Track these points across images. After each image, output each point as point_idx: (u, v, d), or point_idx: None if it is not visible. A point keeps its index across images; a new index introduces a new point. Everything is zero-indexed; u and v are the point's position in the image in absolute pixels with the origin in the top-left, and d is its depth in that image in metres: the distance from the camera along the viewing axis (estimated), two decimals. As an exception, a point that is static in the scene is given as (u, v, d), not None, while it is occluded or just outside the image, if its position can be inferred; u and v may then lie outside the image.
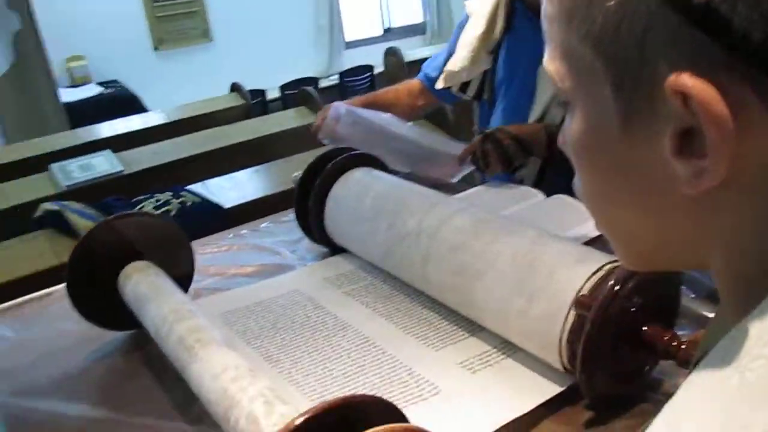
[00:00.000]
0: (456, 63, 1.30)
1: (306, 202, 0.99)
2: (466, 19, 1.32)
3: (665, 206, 0.31)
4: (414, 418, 0.64)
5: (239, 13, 4.52)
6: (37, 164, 2.43)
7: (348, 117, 1.28)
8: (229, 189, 1.96)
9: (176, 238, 0.90)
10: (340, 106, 1.30)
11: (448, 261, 0.77)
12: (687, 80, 0.26)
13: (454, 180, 1.27)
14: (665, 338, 0.62)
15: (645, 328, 0.63)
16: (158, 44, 4.30)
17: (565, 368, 0.67)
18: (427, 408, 0.66)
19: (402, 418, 0.51)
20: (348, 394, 0.55)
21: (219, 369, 0.61)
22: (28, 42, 3.19)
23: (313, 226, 1.00)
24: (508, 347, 0.75)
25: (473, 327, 0.79)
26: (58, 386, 0.78)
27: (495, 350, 0.75)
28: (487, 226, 0.77)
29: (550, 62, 0.33)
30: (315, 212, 0.98)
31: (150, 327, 0.74)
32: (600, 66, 0.29)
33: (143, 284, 0.78)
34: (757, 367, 0.25)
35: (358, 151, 1.03)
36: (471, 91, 1.35)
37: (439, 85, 1.34)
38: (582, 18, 0.29)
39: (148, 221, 0.90)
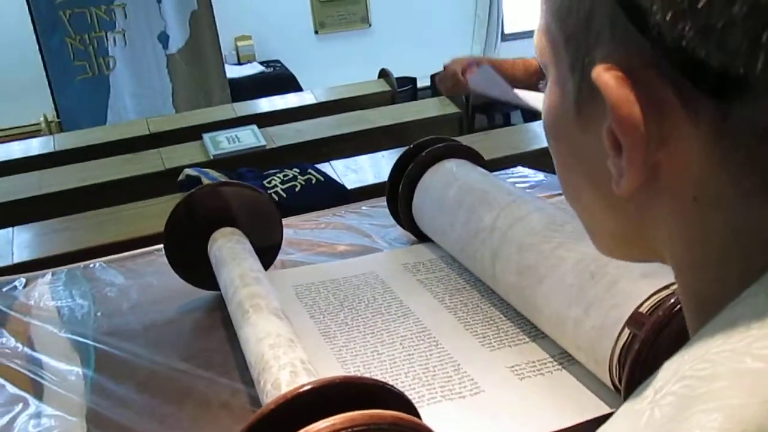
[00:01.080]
0: None
1: (397, 189, 1.00)
2: None
3: (611, 202, 0.30)
4: (446, 414, 0.64)
5: (399, 0, 4.61)
6: (197, 133, 2.65)
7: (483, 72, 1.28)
8: (354, 170, 2.03)
9: (268, 212, 0.95)
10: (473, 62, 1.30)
11: (514, 261, 0.75)
12: (602, 74, 0.25)
13: None
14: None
15: (710, 358, 0.58)
16: (319, 27, 4.50)
17: (616, 388, 0.63)
18: (462, 406, 0.65)
19: (409, 407, 0.51)
20: (354, 374, 0.56)
21: (262, 335, 0.64)
22: (202, 21, 3.48)
23: (402, 213, 1.01)
24: (566, 358, 0.71)
25: (536, 332, 0.76)
26: (145, 331, 0.86)
27: (551, 360, 0.71)
28: (560, 228, 0.74)
29: (536, 35, 0.32)
30: (404, 199, 0.99)
31: (222, 288, 0.79)
32: (561, 43, 0.29)
33: (224, 249, 0.83)
34: (665, 404, 0.23)
35: (455, 143, 1.02)
36: None
37: None
38: None
39: (246, 192, 0.95)
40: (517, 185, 1.08)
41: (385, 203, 1.20)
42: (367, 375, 0.70)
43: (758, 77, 0.22)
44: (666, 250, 0.29)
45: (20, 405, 0.73)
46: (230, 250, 0.83)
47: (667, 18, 0.23)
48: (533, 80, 1.40)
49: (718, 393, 0.21)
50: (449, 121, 2.74)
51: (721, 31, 0.22)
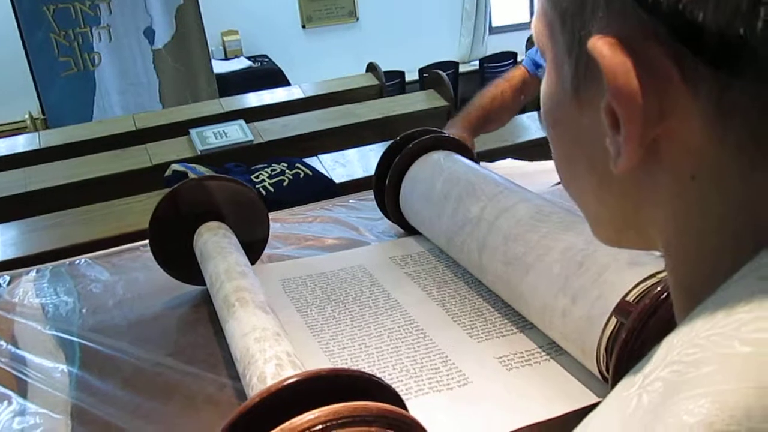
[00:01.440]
0: None
1: (384, 181, 1.00)
2: None
3: (609, 185, 0.29)
4: (433, 405, 0.63)
5: (387, -6, 4.60)
6: (184, 128, 2.63)
7: None
8: (342, 164, 2.02)
9: (254, 206, 0.94)
10: None
11: (501, 251, 0.75)
12: (597, 45, 0.24)
13: None
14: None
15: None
16: (306, 22, 4.48)
17: (604, 377, 0.63)
18: (451, 398, 0.65)
19: (396, 398, 0.50)
20: (341, 366, 0.55)
21: (248, 329, 0.64)
22: (189, 16, 3.45)
23: (389, 205, 1.00)
24: (554, 348, 0.71)
25: (524, 323, 0.76)
26: (130, 328, 0.85)
27: (539, 350, 0.71)
28: (546, 219, 0.74)
29: (533, 21, 0.31)
30: (391, 192, 0.99)
31: (208, 283, 0.78)
32: (557, 24, 0.28)
33: (209, 243, 0.82)
34: (653, 390, 0.23)
35: (442, 134, 1.01)
36: None
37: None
38: None
39: (232, 186, 0.94)
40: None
41: (373, 196, 1.19)
42: (354, 367, 0.69)
43: (759, 38, 0.21)
44: (660, 235, 0.28)
45: (4, 403, 0.73)
46: (216, 245, 0.82)
47: None
48: (522, 95, 1.35)
49: (705, 378, 0.21)
50: (438, 115, 2.74)
51: None
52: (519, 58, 4.60)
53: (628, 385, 0.24)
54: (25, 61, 3.28)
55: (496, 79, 1.42)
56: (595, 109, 0.26)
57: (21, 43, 3.26)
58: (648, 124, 0.24)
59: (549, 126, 0.32)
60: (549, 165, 1.24)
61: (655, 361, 0.24)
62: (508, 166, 1.29)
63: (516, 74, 1.38)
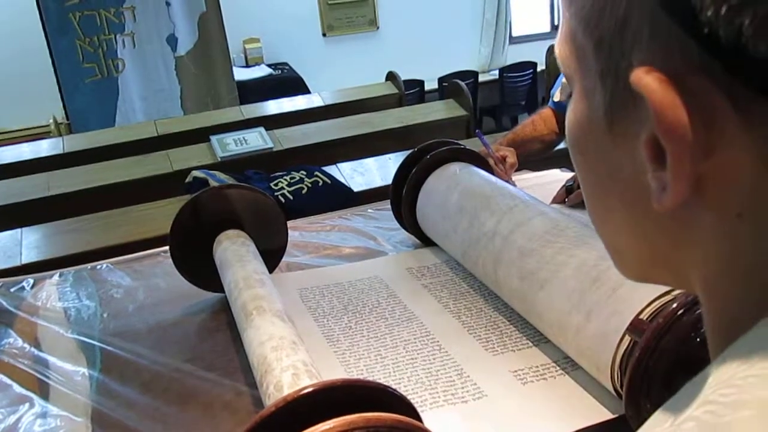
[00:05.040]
0: None
1: (401, 192, 1.01)
2: None
3: (646, 220, 0.27)
4: (448, 418, 0.64)
5: (407, 3, 4.62)
6: (205, 135, 2.66)
7: None
8: (360, 173, 2.03)
9: (273, 215, 0.96)
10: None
11: (516, 266, 0.75)
12: (644, 77, 0.23)
13: None
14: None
15: (711, 364, 0.58)
16: (327, 30, 4.51)
17: (618, 394, 0.63)
18: (465, 411, 0.65)
19: (411, 410, 0.51)
20: (353, 377, 0.56)
21: (265, 337, 0.65)
22: (211, 23, 3.49)
23: (405, 217, 1.01)
24: (569, 363, 0.71)
25: (539, 337, 0.76)
26: (150, 333, 0.87)
27: (554, 365, 0.71)
28: (560, 233, 0.74)
29: (558, 44, 0.30)
30: (408, 203, 1.00)
31: (226, 291, 0.80)
32: (590, 50, 0.26)
33: (229, 251, 0.84)
34: (686, 429, 0.22)
35: (458, 146, 1.02)
36: None
37: (556, 98, 1.29)
38: None
39: (251, 195, 0.96)
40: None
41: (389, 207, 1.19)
42: (369, 378, 0.70)
43: None
44: (697, 273, 0.27)
45: (26, 405, 0.74)
46: (234, 253, 0.83)
47: (722, 12, 0.20)
48: (556, 129, 1.35)
49: (743, 423, 0.20)
50: (456, 124, 2.74)
51: None
52: (539, 68, 4.60)
53: (659, 422, 0.24)
54: (51, 66, 3.34)
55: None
56: (631, 140, 0.25)
57: (47, 49, 3.32)
58: (696, 160, 0.23)
59: (576, 156, 0.31)
60: (562, 175, 1.24)
61: (688, 399, 0.23)
62: (524, 177, 1.30)
63: (546, 111, 1.37)
